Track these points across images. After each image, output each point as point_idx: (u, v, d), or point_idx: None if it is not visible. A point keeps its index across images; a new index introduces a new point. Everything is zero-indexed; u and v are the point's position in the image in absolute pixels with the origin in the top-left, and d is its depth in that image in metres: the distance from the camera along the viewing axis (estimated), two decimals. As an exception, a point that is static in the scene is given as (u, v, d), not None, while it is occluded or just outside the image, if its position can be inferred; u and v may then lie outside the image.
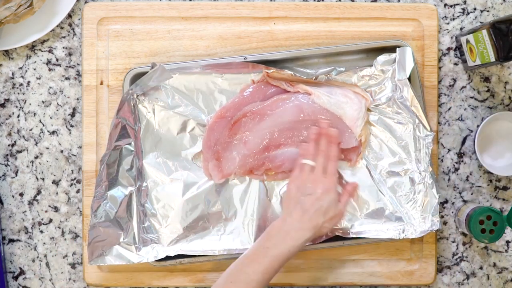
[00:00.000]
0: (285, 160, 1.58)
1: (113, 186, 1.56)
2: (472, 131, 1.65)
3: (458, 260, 1.65)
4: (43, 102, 1.64)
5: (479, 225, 1.55)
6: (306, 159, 1.54)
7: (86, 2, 1.63)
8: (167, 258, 1.58)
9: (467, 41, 1.58)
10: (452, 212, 1.65)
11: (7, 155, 1.64)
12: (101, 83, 1.62)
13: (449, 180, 1.65)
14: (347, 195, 1.57)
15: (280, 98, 1.58)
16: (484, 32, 1.51)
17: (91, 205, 1.55)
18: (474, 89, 1.65)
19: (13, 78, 1.64)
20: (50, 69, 1.64)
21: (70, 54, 1.64)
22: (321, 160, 1.54)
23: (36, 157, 1.64)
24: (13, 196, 1.64)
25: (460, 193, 1.65)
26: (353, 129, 1.57)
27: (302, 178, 1.53)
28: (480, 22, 1.65)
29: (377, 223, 1.59)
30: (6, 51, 1.63)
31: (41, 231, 1.64)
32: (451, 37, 1.65)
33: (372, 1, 1.65)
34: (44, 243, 1.64)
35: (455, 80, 1.65)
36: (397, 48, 1.58)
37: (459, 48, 1.64)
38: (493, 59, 1.52)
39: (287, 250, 1.46)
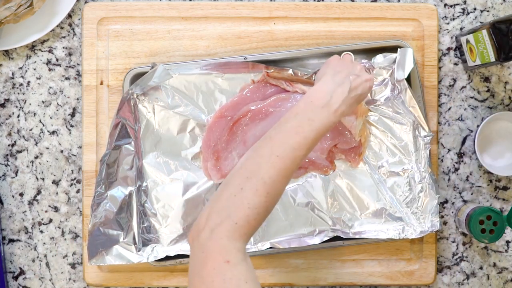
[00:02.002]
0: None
1: (113, 186, 1.56)
2: (472, 131, 1.65)
3: (458, 260, 1.65)
4: (43, 102, 1.64)
5: (479, 225, 1.55)
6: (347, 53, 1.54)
7: (86, 2, 1.63)
8: (167, 258, 1.58)
9: (467, 41, 1.58)
10: (452, 212, 1.65)
11: (7, 155, 1.64)
12: (101, 83, 1.62)
13: (449, 180, 1.65)
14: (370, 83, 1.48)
15: (280, 97, 1.58)
16: (484, 32, 1.51)
17: (91, 205, 1.55)
18: (474, 89, 1.65)
19: (13, 78, 1.64)
20: (50, 69, 1.64)
21: (70, 54, 1.64)
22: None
23: (36, 157, 1.64)
24: (13, 196, 1.64)
25: (460, 193, 1.65)
26: (351, 130, 1.57)
27: (348, 60, 1.48)
28: (480, 22, 1.65)
29: (377, 223, 1.59)
30: (6, 51, 1.63)
31: (41, 231, 1.64)
32: (451, 37, 1.65)
33: (372, 1, 1.65)
34: (44, 243, 1.64)
35: (455, 80, 1.65)
36: (398, 49, 1.58)
37: (459, 48, 1.64)
38: (493, 59, 1.52)
39: (328, 125, 1.38)
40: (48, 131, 1.64)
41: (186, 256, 1.58)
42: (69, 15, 1.64)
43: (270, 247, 1.59)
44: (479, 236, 1.56)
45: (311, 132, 1.35)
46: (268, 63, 1.58)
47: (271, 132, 1.36)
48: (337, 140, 1.59)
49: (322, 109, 1.38)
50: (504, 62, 1.52)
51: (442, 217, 1.65)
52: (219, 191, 1.30)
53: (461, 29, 1.64)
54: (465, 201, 1.65)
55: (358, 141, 1.58)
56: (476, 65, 1.58)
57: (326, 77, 1.44)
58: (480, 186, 1.65)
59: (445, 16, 1.65)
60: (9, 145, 1.64)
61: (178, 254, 1.57)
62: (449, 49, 1.65)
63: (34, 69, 1.64)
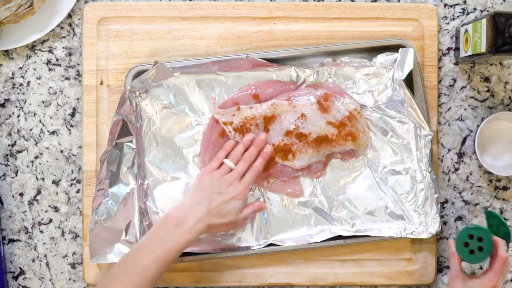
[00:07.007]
0: (285, 169, 1.59)
1: (115, 183, 1.56)
2: (472, 131, 1.65)
3: (458, 260, 1.65)
4: (43, 102, 1.64)
5: (465, 248, 1.51)
6: (228, 160, 1.55)
7: (86, 2, 1.63)
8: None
9: (466, 31, 1.58)
10: (452, 212, 1.65)
11: (7, 155, 1.64)
12: (101, 83, 1.62)
13: (449, 180, 1.65)
14: (252, 209, 1.56)
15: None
16: (484, 21, 1.51)
17: (92, 202, 1.55)
18: (474, 89, 1.65)
19: (13, 78, 1.63)
20: (50, 69, 1.64)
21: (70, 54, 1.64)
22: (242, 166, 1.54)
23: (36, 157, 1.63)
24: (13, 196, 1.64)
25: (460, 193, 1.65)
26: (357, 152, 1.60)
27: (219, 175, 1.53)
28: (482, 21, 1.65)
29: (378, 221, 1.59)
30: (6, 51, 1.63)
31: (41, 231, 1.63)
32: (451, 37, 1.65)
33: (372, 1, 1.65)
34: (44, 243, 1.63)
35: (455, 80, 1.65)
36: (400, 49, 1.58)
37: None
38: (484, 49, 1.50)
39: (182, 244, 1.46)
40: (48, 131, 1.63)
41: (188, 254, 1.58)
42: (69, 15, 1.64)
43: (271, 244, 1.58)
44: (472, 259, 1.52)
45: (162, 251, 1.43)
46: (269, 62, 1.58)
47: (131, 250, 1.46)
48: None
49: (176, 228, 1.46)
50: (492, 54, 1.50)
51: (442, 217, 1.65)
52: None
53: (462, 25, 1.65)
54: (465, 201, 1.65)
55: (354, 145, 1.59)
56: (467, 56, 1.57)
57: (186, 195, 1.53)
58: (480, 186, 1.65)
59: (445, 16, 1.65)
60: (9, 145, 1.63)
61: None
62: (449, 49, 1.65)
63: (34, 69, 1.64)
